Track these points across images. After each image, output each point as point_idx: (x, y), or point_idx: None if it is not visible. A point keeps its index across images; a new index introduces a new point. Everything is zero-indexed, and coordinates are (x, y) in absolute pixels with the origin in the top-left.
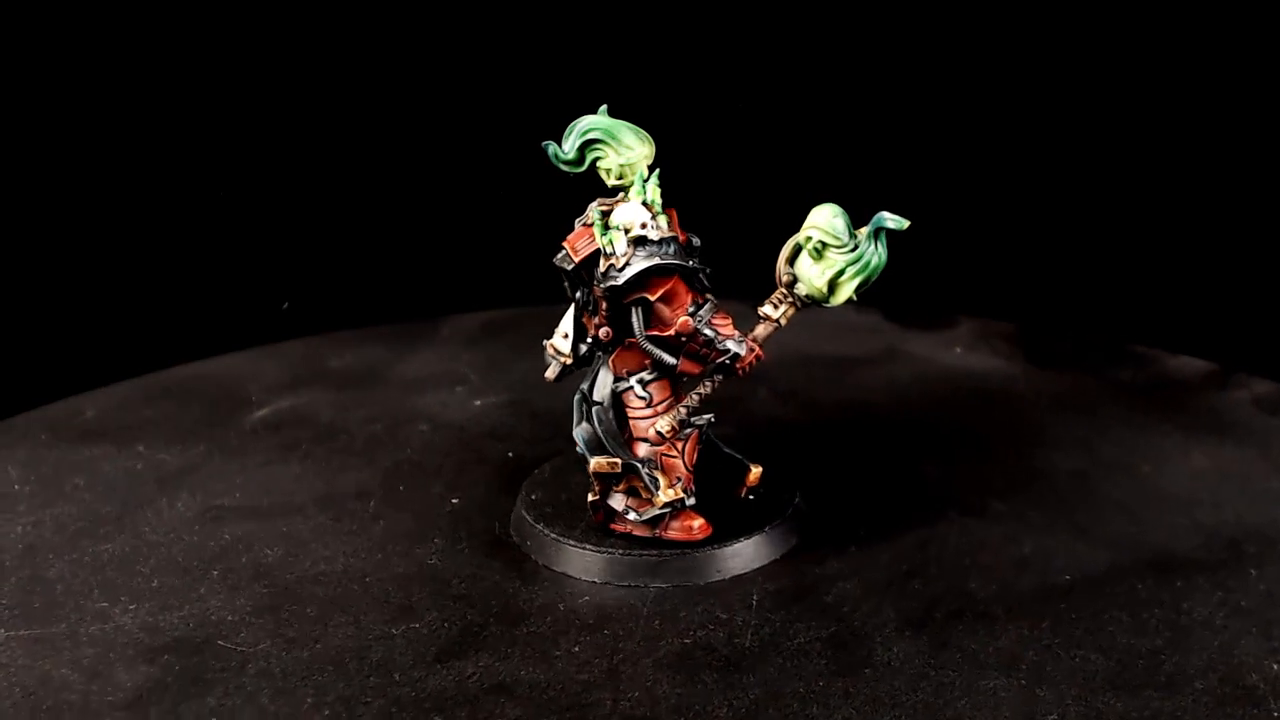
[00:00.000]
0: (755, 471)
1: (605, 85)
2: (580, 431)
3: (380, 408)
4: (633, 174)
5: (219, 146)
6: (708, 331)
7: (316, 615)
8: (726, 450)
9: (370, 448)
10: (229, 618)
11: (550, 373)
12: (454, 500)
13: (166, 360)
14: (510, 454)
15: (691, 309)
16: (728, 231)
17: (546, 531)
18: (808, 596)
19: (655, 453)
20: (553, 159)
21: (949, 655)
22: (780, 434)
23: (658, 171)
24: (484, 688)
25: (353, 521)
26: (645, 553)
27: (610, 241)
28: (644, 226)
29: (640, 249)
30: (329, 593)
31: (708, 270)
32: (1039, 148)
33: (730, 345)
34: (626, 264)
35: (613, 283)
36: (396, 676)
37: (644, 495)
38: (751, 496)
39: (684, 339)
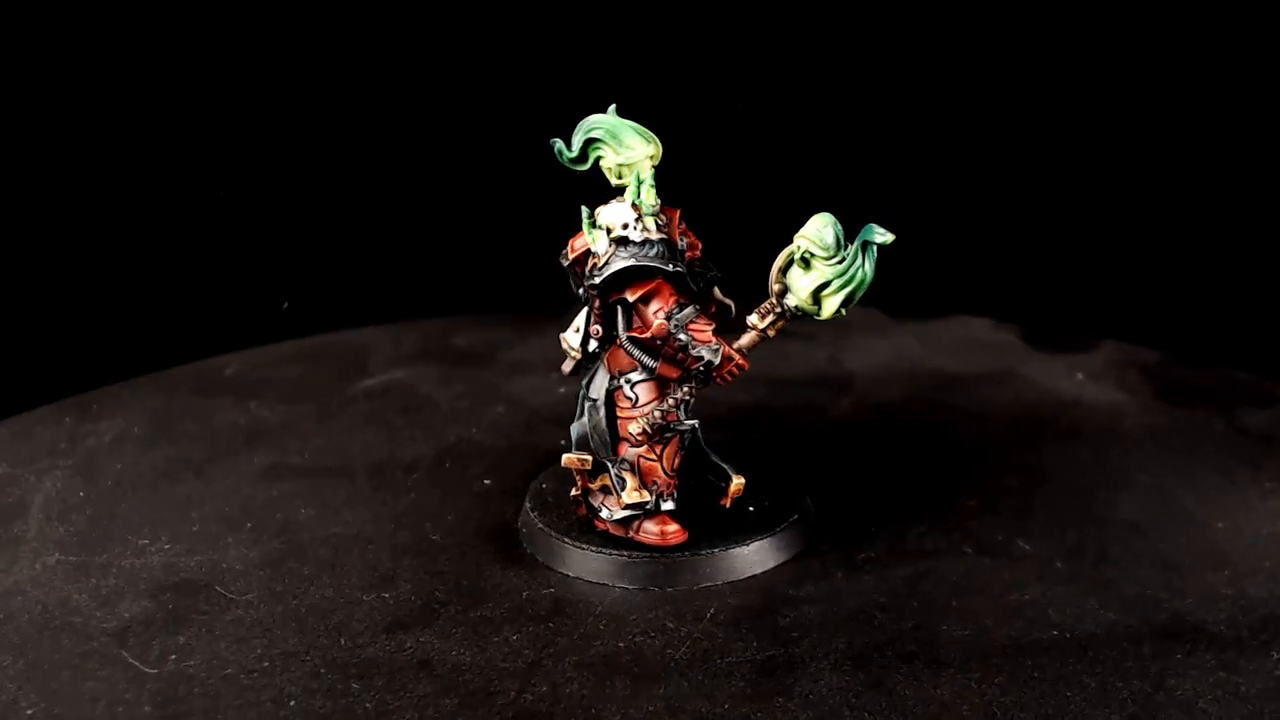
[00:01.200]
0: (736, 483)
1: (615, 86)
2: (575, 427)
3: (474, 386)
4: (630, 174)
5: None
6: (682, 336)
7: (309, 574)
8: (714, 459)
9: (445, 423)
10: (237, 567)
11: (565, 366)
12: (485, 482)
13: (318, 328)
14: (563, 441)
15: (669, 313)
16: (731, 233)
17: (538, 522)
18: (764, 616)
19: (636, 454)
20: (558, 156)
21: (873, 697)
22: (837, 446)
23: (651, 173)
24: (411, 662)
25: (389, 491)
26: (616, 553)
27: (594, 240)
28: (625, 227)
29: (622, 249)
30: (330, 555)
31: (714, 274)
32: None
33: (704, 352)
34: (606, 263)
35: (592, 281)
36: (342, 641)
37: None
38: (752, 509)
39: (659, 342)
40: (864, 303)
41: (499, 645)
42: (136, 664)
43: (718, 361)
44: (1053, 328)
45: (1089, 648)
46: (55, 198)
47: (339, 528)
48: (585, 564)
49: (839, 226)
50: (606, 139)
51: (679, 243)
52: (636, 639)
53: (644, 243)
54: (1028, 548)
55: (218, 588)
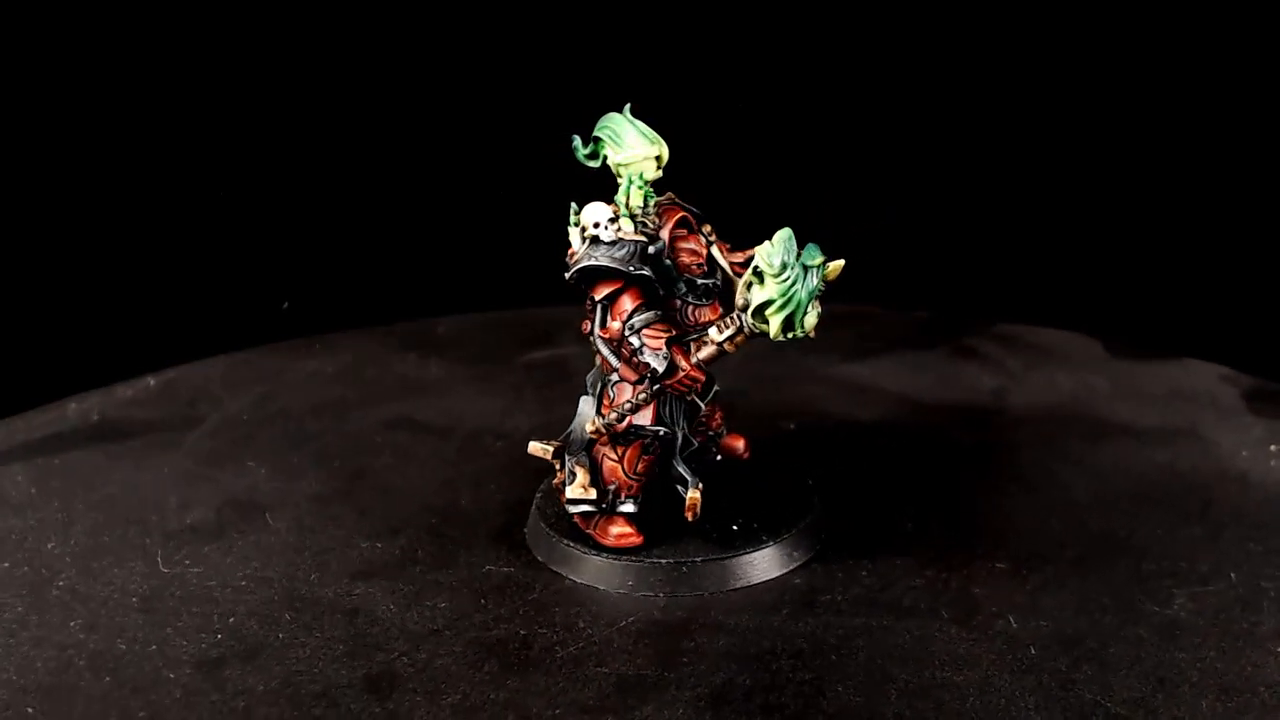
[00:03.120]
0: (691, 496)
1: (615, 86)
2: (575, 419)
3: None
4: (627, 173)
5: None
6: (634, 341)
7: (339, 515)
8: (679, 469)
9: (568, 397)
10: (292, 499)
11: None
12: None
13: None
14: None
15: (628, 316)
16: (733, 233)
17: (536, 506)
18: (673, 635)
19: (601, 452)
20: (574, 152)
21: None
22: (929, 478)
23: (641, 176)
24: (345, 607)
25: (471, 455)
26: (574, 547)
27: (571, 236)
28: (597, 226)
29: (594, 248)
30: (371, 502)
31: (715, 284)
32: None
33: (650, 359)
34: (577, 261)
35: (565, 275)
36: (313, 577)
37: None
38: (736, 527)
39: (616, 344)
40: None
41: (422, 610)
42: (158, 560)
43: (661, 370)
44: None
45: None
46: (55, 198)
47: (401, 481)
48: (551, 553)
49: (792, 244)
50: (610, 137)
51: (661, 244)
52: (538, 630)
53: (614, 243)
54: (1012, 629)
55: (265, 510)
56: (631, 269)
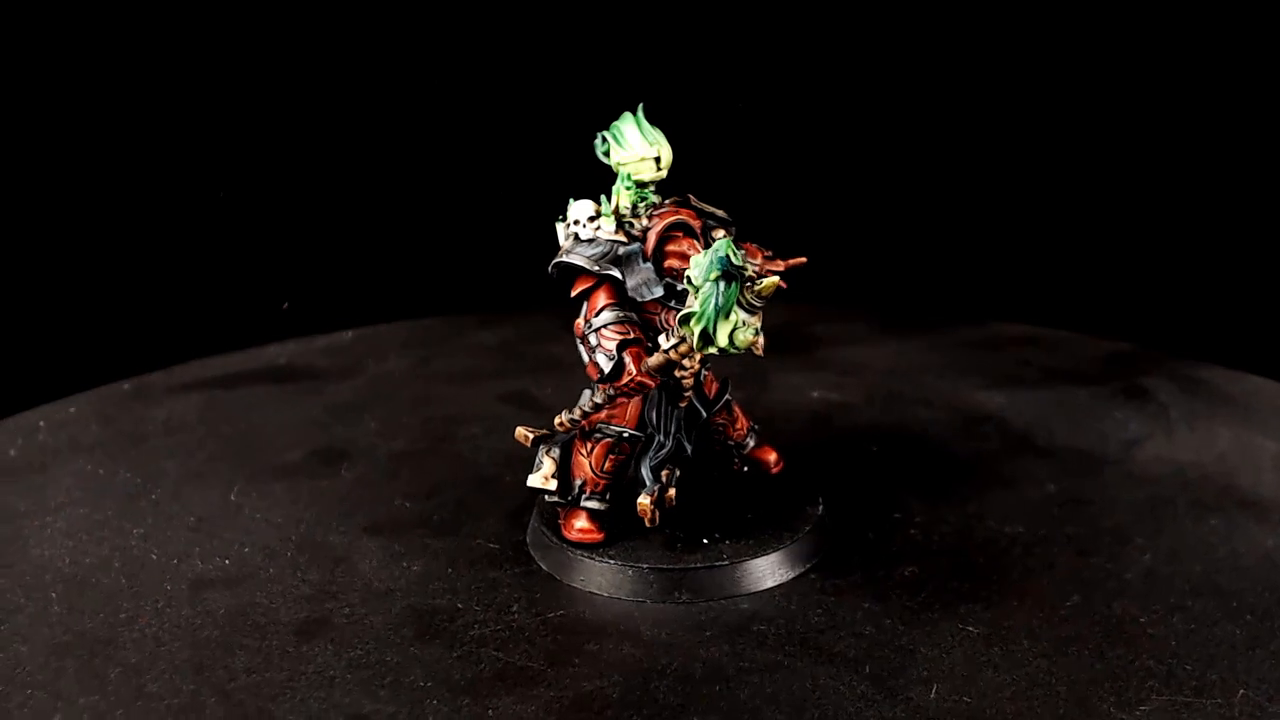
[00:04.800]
0: (640, 503)
1: (615, 87)
2: None
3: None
4: (622, 172)
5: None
6: (592, 340)
7: (398, 472)
8: (642, 472)
9: None
10: (376, 452)
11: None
12: None
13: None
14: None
15: (595, 313)
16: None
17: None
18: (581, 638)
19: (575, 446)
20: (595, 149)
21: None
22: (967, 531)
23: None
24: (335, 557)
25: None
26: (546, 535)
27: (559, 231)
28: (575, 224)
29: (575, 245)
30: (433, 465)
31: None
32: None
33: (599, 359)
34: (556, 256)
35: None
36: (333, 524)
37: None
38: (706, 541)
39: (582, 341)
40: None
41: (394, 570)
42: (232, 492)
43: (607, 371)
44: None
45: None
46: (55, 198)
47: (472, 449)
48: (536, 545)
49: (717, 257)
50: (614, 136)
51: (636, 247)
52: (473, 607)
53: (591, 241)
54: (934, 696)
55: (346, 462)
56: (598, 268)
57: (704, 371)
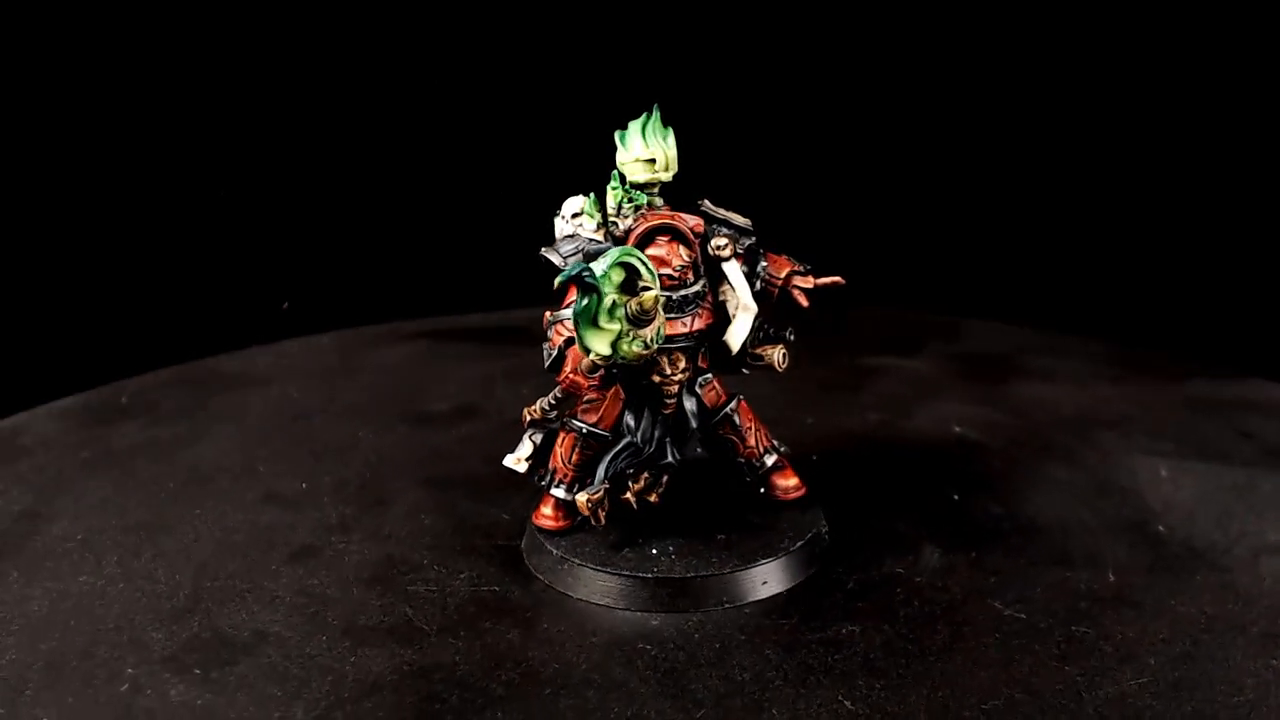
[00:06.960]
0: (579, 499)
1: (616, 88)
2: None
3: None
4: (616, 172)
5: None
6: (549, 332)
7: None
8: (599, 468)
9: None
10: (431, 440)
11: None
12: None
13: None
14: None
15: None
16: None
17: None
18: (513, 639)
19: (560, 434)
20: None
21: None
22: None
23: (616, 179)
24: (346, 527)
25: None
26: (534, 537)
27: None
28: (560, 217)
29: (561, 240)
30: (481, 456)
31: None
32: None
33: (545, 350)
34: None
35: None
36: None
37: None
38: (673, 551)
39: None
40: None
41: (381, 548)
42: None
43: (546, 366)
44: None
45: None
46: (56, 199)
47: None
48: (529, 541)
49: (611, 261)
50: (619, 136)
51: (607, 247)
52: (418, 609)
53: (570, 238)
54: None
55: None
56: (564, 265)
57: (703, 380)
